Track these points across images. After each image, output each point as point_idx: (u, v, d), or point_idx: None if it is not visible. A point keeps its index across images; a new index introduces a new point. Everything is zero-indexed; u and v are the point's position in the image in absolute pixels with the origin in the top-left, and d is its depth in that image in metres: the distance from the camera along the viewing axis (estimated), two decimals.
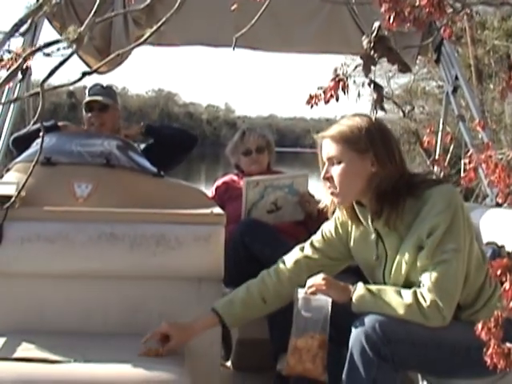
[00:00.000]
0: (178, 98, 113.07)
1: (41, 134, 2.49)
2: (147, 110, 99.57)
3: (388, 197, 2.75)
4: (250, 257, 4.08)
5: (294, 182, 4.44)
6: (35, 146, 3.50)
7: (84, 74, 2.10)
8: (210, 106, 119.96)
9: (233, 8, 2.33)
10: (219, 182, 4.71)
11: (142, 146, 4.57)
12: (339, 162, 2.78)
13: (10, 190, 2.99)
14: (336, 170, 2.79)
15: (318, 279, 2.82)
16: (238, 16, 2.75)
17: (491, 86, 17.75)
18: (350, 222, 2.98)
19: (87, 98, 4.63)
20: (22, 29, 1.99)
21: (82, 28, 1.88)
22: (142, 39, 1.97)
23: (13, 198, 2.90)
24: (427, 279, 2.67)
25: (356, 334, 2.67)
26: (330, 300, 2.79)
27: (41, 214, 3.05)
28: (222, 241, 3.09)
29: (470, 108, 4.76)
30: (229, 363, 4.33)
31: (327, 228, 3.08)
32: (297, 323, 2.86)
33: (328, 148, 2.81)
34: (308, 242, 3.11)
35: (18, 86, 4.25)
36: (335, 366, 2.85)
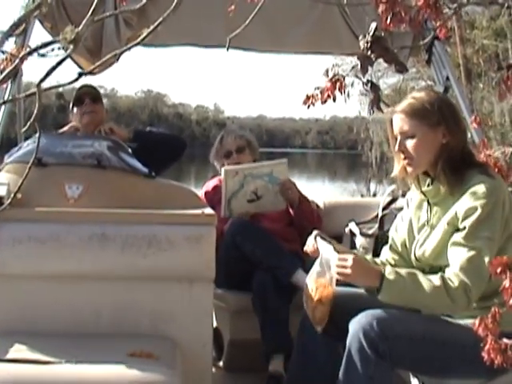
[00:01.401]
0: (167, 99, 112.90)
1: (36, 135, 2.49)
2: (136, 110, 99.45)
3: (456, 163, 2.86)
4: (242, 257, 4.09)
5: (273, 170, 4.44)
6: (26, 146, 3.48)
7: (80, 75, 2.11)
8: (199, 106, 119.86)
9: (230, 10, 2.33)
10: (208, 188, 4.70)
11: (131, 145, 4.53)
12: (412, 136, 2.90)
13: (0, 191, 2.99)
14: (410, 144, 2.90)
15: (348, 262, 2.77)
16: (229, 17, 2.75)
17: (480, 86, 17.82)
18: (412, 192, 3.10)
19: (79, 88, 4.64)
20: (20, 28, 1.99)
21: (80, 27, 1.88)
22: (140, 38, 1.97)
23: (8, 201, 2.91)
24: (458, 261, 2.73)
25: (354, 331, 2.69)
26: (335, 258, 2.83)
27: (32, 214, 3.04)
28: (214, 241, 3.09)
29: (460, 108, 4.77)
30: (221, 364, 4.34)
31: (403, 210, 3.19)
32: (312, 269, 2.97)
33: (401, 123, 2.92)
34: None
35: (9, 87, 4.23)
36: (331, 363, 2.90)
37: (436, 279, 2.72)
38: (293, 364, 3.17)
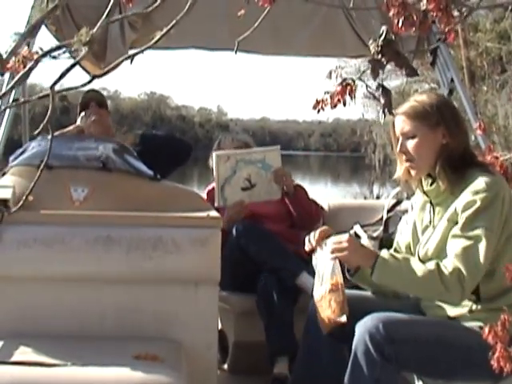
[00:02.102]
0: (170, 101, 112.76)
1: (49, 137, 2.49)
2: (139, 112, 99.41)
3: (456, 162, 2.90)
4: (246, 259, 4.09)
5: (265, 156, 4.44)
6: (31, 149, 3.49)
7: (93, 77, 2.12)
8: (202, 108, 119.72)
9: (239, 14, 2.33)
10: (210, 187, 4.71)
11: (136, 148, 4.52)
12: (413, 137, 2.95)
13: (6, 194, 2.99)
14: (411, 144, 2.96)
15: (343, 239, 2.88)
16: (233, 20, 2.75)
17: (484, 88, 17.80)
18: (416, 195, 3.13)
19: (84, 94, 4.65)
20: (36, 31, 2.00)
21: (95, 29, 1.88)
22: (154, 41, 1.97)
23: (20, 203, 2.90)
24: (454, 249, 2.75)
25: (360, 334, 2.70)
26: (331, 239, 2.90)
27: (37, 217, 3.04)
28: (219, 244, 3.09)
29: (465, 110, 4.77)
30: (225, 366, 4.34)
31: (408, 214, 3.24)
32: (315, 280, 2.97)
33: (402, 124, 2.98)
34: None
35: (14, 89, 4.22)
36: (335, 364, 2.91)
37: (431, 264, 2.77)
38: (298, 365, 3.17)
